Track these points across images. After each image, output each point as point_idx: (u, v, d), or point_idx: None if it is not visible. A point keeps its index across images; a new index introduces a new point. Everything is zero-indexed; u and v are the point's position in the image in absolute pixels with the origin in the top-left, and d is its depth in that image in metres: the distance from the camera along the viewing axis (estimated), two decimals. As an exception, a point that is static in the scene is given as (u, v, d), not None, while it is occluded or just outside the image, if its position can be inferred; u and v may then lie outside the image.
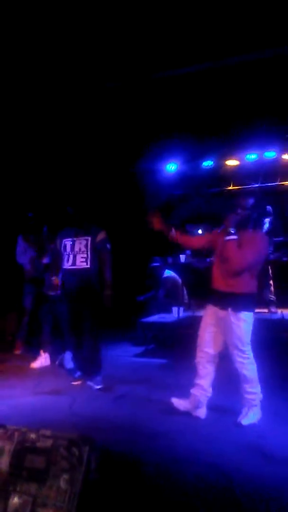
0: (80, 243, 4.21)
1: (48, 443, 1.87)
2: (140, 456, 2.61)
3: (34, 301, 5.44)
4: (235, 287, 3.18)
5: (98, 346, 4.23)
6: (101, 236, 4.25)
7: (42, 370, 4.90)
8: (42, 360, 5.04)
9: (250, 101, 6.11)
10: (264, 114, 6.18)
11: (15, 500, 1.80)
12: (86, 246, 4.19)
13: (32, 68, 5.78)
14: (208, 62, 5.87)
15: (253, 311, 3.21)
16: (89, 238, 4.21)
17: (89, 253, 4.17)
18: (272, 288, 6.03)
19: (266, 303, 6.00)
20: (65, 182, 6.56)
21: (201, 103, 6.28)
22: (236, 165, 6.78)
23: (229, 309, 3.13)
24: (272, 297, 6.01)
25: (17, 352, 5.64)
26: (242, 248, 3.13)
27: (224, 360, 3.33)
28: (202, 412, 3.32)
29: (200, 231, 6.29)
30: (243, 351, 3.13)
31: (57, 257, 4.37)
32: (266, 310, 5.94)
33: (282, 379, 4.25)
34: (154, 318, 6.23)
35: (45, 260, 5.02)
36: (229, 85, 6.02)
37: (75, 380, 4.29)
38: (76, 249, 4.20)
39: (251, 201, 3.29)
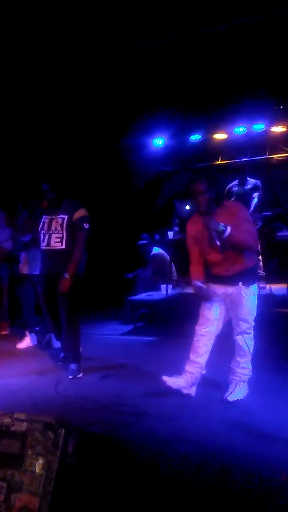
0: (57, 221, 3.87)
1: (23, 426, 1.79)
2: (125, 437, 2.55)
3: (10, 280, 5.34)
4: (240, 265, 3.12)
5: (77, 334, 3.95)
6: (79, 213, 3.88)
7: (28, 350, 4.83)
8: (28, 340, 4.96)
9: (238, 73, 5.93)
10: (253, 86, 6.01)
11: (-11, 486, 1.73)
12: (61, 225, 3.85)
13: (12, 42, 5.54)
14: (194, 30, 5.66)
15: (257, 281, 3.26)
16: (66, 217, 3.86)
17: (64, 232, 3.83)
18: (261, 263, 5.97)
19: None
20: (48, 158, 6.37)
21: (188, 75, 6.08)
22: (224, 139, 6.63)
23: (240, 284, 3.10)
24: (261, 272, 5.96)
25: (4, 333, 5.56)
26: (241, 229, 3.02)
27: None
28: (194, 390, 3.27)
29: (187, 207, 6.18)
30: (251, 324, 3.16)
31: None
32: None
33: (270, 355, 4.22)
34: (142, 296, 6.16)
35: (26, 238, 4.86)
36: (216, 57, 5.82)
37: (60, 360, 4.19)
38: (52, 228, 3.88)
39: (204, 184, 3.10)
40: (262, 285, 5.81)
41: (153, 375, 3.68)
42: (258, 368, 3.39)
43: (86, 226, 3.88)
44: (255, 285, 3.22)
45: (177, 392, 3.23)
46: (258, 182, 6.06)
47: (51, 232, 3.88)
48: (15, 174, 6.27)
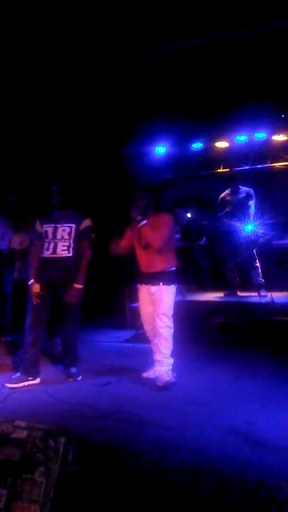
0: (64, 230, 3.90)
1: (23, 434, 1.79)
2: (124, 445, 2.55)
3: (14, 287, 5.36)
4: (162, 265, 3.76)
5: (76, 339, 4.06)
6: (86, 223, 3.97)
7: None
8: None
9: (240, 81, 5.95)
10: (254, 94, 6.03)
11: (-11, 493, 1.73)
12: (69, 234, 3.90)
13: (14, 48, 5.58)
14: (196, 39, 5.69)
15: (176, 284, 3.83)
16: (73, 226, 3.92)
17: (71, 241, 3.89)
18: (259, 270, 5.99)
19: (256, 287, 5.97)
20: (51, 166, 6.40)
21: (189, 83, 6.11)
22: (226, 147, 6.66)
23: (161, 283, 3.72)
24: (261, 280, 5.98)
25: (3, 339, 5.56)
26: (155, 229, 3.69)
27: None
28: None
29: (189, 215, 6.22)
30: (170, 318, 3.73)
31: (37, 249, 3.99)
32: (256, 294, 5.90)
33: (271, 364, 4.23)
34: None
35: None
36: (218, 64, 5.85)
37: (13, 382, 3.90)
38: (58, 236, 3.90)
39: (144, 193, 3.82)
40: (263, 293, 5.82)
41: (153, 382, 3.70)
42: (261, 377, 3.40)
43: (93, 235, 4.04)
44: (174, 286, 3.79)
45: (174, 401, 3.27)
46: (251, 190, 6.11)
47: (56, 240, 3.89)
48: (21, 182, 6.31)
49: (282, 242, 6.14)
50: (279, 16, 5.28)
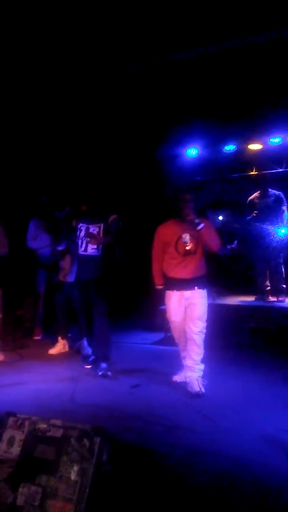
0: (94, 230, 4.20)
1: (59, 433, 1.81)
2: (155, 447, 2.54)
3: (47, 286, 5.44)
4: (199, 271, 3.69)
5: (108, 336, 4.22)
6: (112, 217, 4.23)
7: (60, 356, 4.89)
8: (60, 346, 5.02)
9: (273, 82, 5.87)
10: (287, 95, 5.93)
11: (25, 490, 1.76)
12: (98, 233, 4.18)
13: (48, 51, 5.67)
14: (229, 41, 5.65)
15: (207, 288, 3.78)
16: (102, 225, 4.20)
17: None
18: (283, 276, 5.91)
19: (276, 292, 5.89)
20: (83, 168, 6.48)
21: (222, 86, 6.07)
22: (259, 149, 6.56)
23: (195, 288, 3.64)
24: (283, 286, 5.89)
25: (36, 338, 5.65)
26: (213, 232, 3.66)
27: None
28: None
29: (221, 217, 6.16)
30: (204, 323, 3.64)
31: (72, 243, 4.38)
32: (275, 299, 5.83)
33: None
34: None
35: (61, 247, 4.97)
36: (250, 66, 5.79)
37: (89, 364, 4.32)
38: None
39: (191, 194, 3.68)
40: (281, 299, 5.73)
41: (183, 385, 3.68)
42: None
43: (120, 225, 4.25)
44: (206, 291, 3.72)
45: (204, 404, 3.25)
46: (281, 194, 5.97)
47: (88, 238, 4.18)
48: (52, 183, 6.41)
49: None
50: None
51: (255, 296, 6.08)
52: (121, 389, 3.71)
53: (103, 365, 4.12)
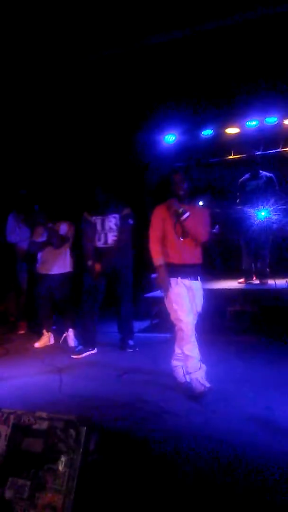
0: (110, 221, 4.39)
1: (45, 425, 1.80)
2: (144, 434, 2.55)
3: (29, 280, 5.38)
4: (198, 258, 3.39)
5: (132, 317, 4.68)
6: (125, 211, 4.45)
7: (46, 349, 4.86)
8: (45, 339, 4.99)
9: (249, 65, 5.84)
10: (264, 78, 5.92)
11: (13, 484, 1.75)
12: (116, 224, 4.39)
13: (18, 41, 5.54)
14: (202, 24, 5.59)
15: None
16: (118, 216, 4.40)
17: (118, 230, 4.40)
18: (267, 260, 5.95)
19: (259, 274, 5.93)
20: (60, 159, 6.39)
21: (197, 69, 6.02)
22: (237, 133, 6.56)
23: (198, 278, 3.37)
24: (266, 269, 5.94)
25: (21, 332, 5.61)
26: (198, 221, 3.31)
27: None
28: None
29: (201, 203, 6.13)
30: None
31: (90, 237, 4.45)
32: (258, 281, 5.89)
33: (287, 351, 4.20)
34: (159, 292, 6.13)
35: (41, 239, 4.91)
36: (226, 49, 5.74)
37: (76, 354, 4.41)
38: (107, 227, 4.38)
39: (182, 174, 3.40)
40: (264, 282, 5.78)
41: (170, 371, 3.69)
42: (277, 365, 3.38)
43: (130, 222, 4.44)
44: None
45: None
46: (272, 175, 5.95)
47: (106, 231, 4.40)
48: (29, 174, 6.31)
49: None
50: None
51: (239, 280, 6.11)
52: (108, 378, 3.72)
53: (131, 342, 4.59)
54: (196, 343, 3.25)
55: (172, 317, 3.33)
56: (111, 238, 4.39)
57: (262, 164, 6.13)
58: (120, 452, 2.16)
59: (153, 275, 6.09)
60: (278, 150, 6.79)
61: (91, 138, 6.73)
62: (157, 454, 2.35)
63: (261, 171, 5.98)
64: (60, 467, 1.69)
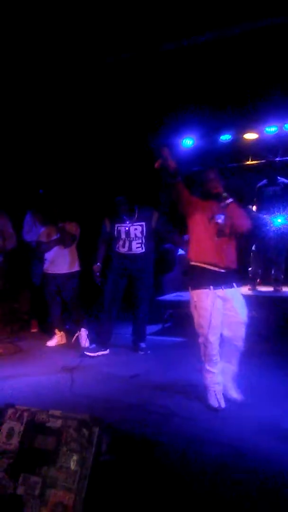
0: (136, 229, 4.49)
1: (58, 423, 1.82)
2: (154, 436, 2.56)
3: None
4: (234, 261, 2.99)
5: (146, 322, 4.80)
6: (155, 217, 4.55)
7: (58, 348, 4.90)
8: (58, 338, 5.03)
9: (269, 71, 5.82)
10: (283, 84, 5.89)
11: (25, 480, 1.77)
12: (141, 232, 4.49)
13: (40, 39, 5.59)
14: (223, 30, 5.59)
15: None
16: (144, 224, 4.49)
17: (143, 238, 4.50)
18: (282, 266, 5.89)
19: (274, 281, 5.87)
20: (77, 160, 6.43)
21: (217, 75, 6.02)
22: (255, 139, 6.54)
23: (234, 285, 2.94)
24: (281, 276, 5.87)
25: (33, 330, 5.65)
26: (239, 212, 2.99)
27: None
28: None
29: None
30: (246, 323, 2.96)
31: (104, 243, 4.64)
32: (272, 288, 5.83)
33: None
34: (171, 296, 6.15)
35: (49, 238, 4.96)
36: (246, 55, 5.74)
37: (90, 351, 4.48)
38: (132, 235, 4.49)
39: (216, 171, 3.14)
40: (278, 289, 5.72)
41: (181, 375, 3.70)
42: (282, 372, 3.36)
43: (163, 223, 4.62)
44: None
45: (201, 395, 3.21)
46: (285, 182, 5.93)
47: (131, 239, 4.51)
48: (49, 175, 6.36)
49: None
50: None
51: (247, 286, 6.05)
52: (120, 380, 3.72)
53: (142, 344, 4.67)
54: (218, 360, 2.98)
55: (197, 328, 3.00)
56: (136, 245, 4.51)
57: (280, 170, 6.09)
58: (129, 454, 2.16)
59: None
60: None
61: (108, 140, 6.76)
62: (165, 458, 2.35)
63: (279, 178, 5.95)
64: (72, 466, 1.70)
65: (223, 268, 2.90)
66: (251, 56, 5.73)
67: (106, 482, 1.75)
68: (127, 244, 4.53)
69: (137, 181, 6.53)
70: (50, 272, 4.97)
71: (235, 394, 3.08)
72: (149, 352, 4.61)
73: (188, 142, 6.83)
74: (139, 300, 4.66)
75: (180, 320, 5.80)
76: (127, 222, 4.53)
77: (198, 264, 2.95)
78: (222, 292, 2.89)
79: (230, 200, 2.92)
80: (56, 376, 3.81)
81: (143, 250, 4.54)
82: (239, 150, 6.90)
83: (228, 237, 2.96)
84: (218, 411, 2.93)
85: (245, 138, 6.60)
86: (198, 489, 2.07)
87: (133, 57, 5.94)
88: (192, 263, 3.01)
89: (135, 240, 4.51)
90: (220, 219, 2.94)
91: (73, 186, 5.81)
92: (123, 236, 4.53)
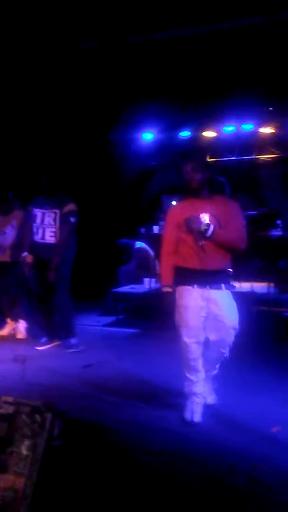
0: (49, 216, 4.16)
1: (10, 409, 1.82)
2: (107, 424, 2.60)
3: None
4: (223, 262, 2.75)
5: (69, 313, 4.32)
6: (68, 208, 4.16)
7: (9, 338, 4.82)
8: (9, 328, 4.94)
9: (230, 71, 5.95)
10: (243, 85, 6.05)
11: (-26, 466, 1.75)
12: (54, 219, 4.14)
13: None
14: (184, 28, 5.65)
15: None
16: (57, 211, 4.14)
17: (57, 227, 4.15)
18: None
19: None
20: (36, 149, 6.30)
21: (179, 71, 6.08)
22: (213, 137, 6.69)
23: (223, 286, 2.70)
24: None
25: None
26: (231, 226, 2.68)
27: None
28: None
29: (174, 202, 6.22)
30: (236, 328, 2.69)
31: (27, 229, 4.26)
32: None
33: (252, 352, 4.24)
34: (126, 288, 6.20)
35: None
36: (208, 53, 5.83)
37: (41, 345, 4.37)
38: (46, 222, 4.15)
39: (197, 163, 2.78)
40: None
41: (134, 365, 3.76)
42: (242, 365, 3.47)
43: (73, 220, 4.16)
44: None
45: (155, 384, 3.28)
46: (225, 182, 5.98)
47: (44, 226, 4.15)
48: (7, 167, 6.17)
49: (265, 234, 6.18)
50: (269, 9, 5.28)
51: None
52: (73, 369, 3.73)
53: (72, 340, 4.29)
54: (197, 367, 2.74)
55: (176, 328, 2.76)
56: (49, 234, 4.15)
57: (235, 170, 6.27)
58: (81, 440, 2.20)
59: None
60: (252, 157, 6.97)
61: (67, 132, 6.65)
62: (116, 444, 2.40)
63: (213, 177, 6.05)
64: (24, 451, 1.71)
65: (208, 269, 2.69)
66: (214, 57, 5.83)
67: (58, 466, 1.77)
68: (40, 232, 4.17)
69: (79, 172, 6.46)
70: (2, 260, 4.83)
71: (210, 399, 2.91)
72: (81, 348, 4.26)
73: (148, 136, 6.88)
74: (55, 291, 4.22)
75: (134, 312, 5.87)
76: (43, 207, 4.18)
77: (182, 265, 2.76)
78: (208, 292, 2.67)
79: (210, 232, 2.60)
80: (7, 365, 3.76)
81: (56, 240, 4.15)
82: (197, 147, 7.03)
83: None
84: (192, 425, 2.67)
85: (204, 136, 6.74)
86: (152, 473, 2.13)
87: (96, 48, 5.88)
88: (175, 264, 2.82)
89: (48, 228, 4.15)
90: (203, 218, 2.66)
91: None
92: (38, 221, 4.16)
